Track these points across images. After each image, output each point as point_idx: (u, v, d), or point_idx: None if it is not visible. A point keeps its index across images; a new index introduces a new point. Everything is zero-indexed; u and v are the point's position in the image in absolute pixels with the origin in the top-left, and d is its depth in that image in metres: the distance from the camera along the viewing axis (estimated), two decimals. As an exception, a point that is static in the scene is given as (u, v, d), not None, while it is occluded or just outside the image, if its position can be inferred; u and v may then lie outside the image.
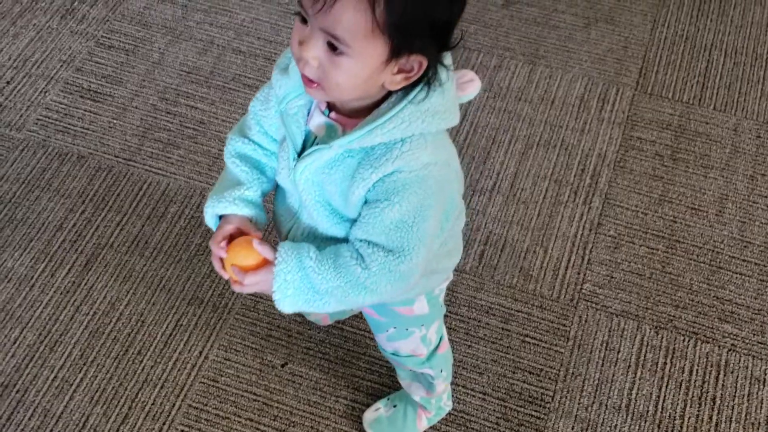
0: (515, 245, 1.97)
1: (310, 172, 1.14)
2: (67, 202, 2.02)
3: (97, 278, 1.91)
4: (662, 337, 1.86)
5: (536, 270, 1.94)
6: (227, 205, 1.22)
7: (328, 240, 1.21)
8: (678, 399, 1.78)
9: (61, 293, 1.89)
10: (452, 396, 1.74)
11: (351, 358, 1.81)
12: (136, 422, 1.73)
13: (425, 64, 1.04)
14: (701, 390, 1.79)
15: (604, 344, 1.84)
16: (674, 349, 1.84)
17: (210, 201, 1.24)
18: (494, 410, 1.75)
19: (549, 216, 2.02)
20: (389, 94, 1.09)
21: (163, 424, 1.72)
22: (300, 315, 1.85)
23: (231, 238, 1.20)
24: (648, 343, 1.85)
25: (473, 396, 1.77)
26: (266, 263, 1.14)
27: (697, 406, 1.77)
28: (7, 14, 2.39)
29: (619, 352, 1.84)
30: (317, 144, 1.12)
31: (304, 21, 1.02)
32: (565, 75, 2.28)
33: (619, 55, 2.33)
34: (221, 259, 1.18)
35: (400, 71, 1.05)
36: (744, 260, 1.96)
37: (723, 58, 2.33)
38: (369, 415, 1.72)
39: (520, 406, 1.76)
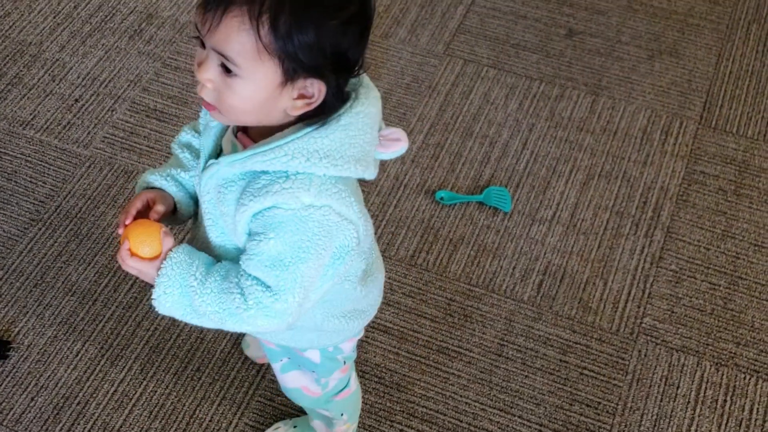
0: (575, 276, 1.96)
1: (210, 186, 1.11)
2: (131, 219, 2.06)
3: (159, 295, 1.94)
4: (723, 374, 1.83)
5: (596, 302, 1.92)
6: (158, 179, 1.22)
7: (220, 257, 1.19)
8: (738, 438, 1.75)
9: (123, 308, 1.91)
10: (507, 427, 1.74)
11: (407, 384, 1.81)
12: (193, 439, 1.74)
13: (324, 89, 1.03)
14: (761, 429, 1.76)
15: (664, 379, 1.82)
16: (735, 386, 1.81)
17: (146, 173, 1.24)
18: (550, 442, 1.74)
19: (609, 248, 2.01)
20: (297, 121, 1.07)
21: (220, 441, 1.74)
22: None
23: (147, 207, 1.19)
24: (708, 380, 1.82)
25: (529, 427, 1.75)
26: (158, 257, 1.12)
27: (758, 446, 1.74)
28: (77, 34, 2.45)
29: (678, 387, 1.81)
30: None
31: (203, 44, 1.03)
32: (627, 107, 2.27)
33: (683, 88, 2.31)
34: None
35: (301, 96, 1.03)
36: (808, 299, 1.93)
37: (789, 93, 2.31)
38: None
39: (577, 439, 1.75)
